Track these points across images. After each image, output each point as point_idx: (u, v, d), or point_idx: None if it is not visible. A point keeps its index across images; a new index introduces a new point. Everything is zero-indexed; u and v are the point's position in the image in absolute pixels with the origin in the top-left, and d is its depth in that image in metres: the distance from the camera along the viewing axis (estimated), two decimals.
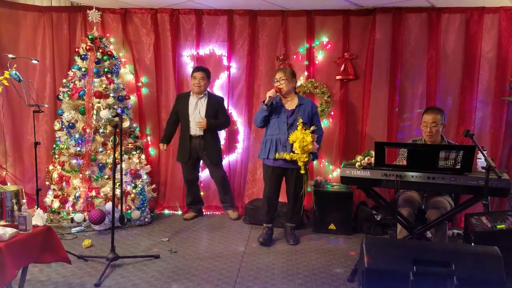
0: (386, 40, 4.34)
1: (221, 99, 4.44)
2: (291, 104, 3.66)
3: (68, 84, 4.20)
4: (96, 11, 4.27)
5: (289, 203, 3.79)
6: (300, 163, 3.42)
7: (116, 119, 3.30)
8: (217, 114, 4.29)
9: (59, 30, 4.58)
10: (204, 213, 4.67)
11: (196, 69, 4.26)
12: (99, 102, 4.12)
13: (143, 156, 4.44)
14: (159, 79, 4.74)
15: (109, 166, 4.08)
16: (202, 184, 4.77)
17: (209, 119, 4.20)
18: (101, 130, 4.10)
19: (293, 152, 3.43)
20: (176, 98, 4.46)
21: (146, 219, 4.22)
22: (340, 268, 3.21)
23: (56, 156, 4.18)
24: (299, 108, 3.61)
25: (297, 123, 3.43)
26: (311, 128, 3.42)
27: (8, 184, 4.46)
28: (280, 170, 3.66)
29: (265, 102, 3.50)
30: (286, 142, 3.52)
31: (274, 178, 3.69)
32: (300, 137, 3.35)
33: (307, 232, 4.12)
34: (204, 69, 4.28)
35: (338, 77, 4.51)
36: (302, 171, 3.46)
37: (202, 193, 4.71)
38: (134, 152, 4.29)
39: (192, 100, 4.28)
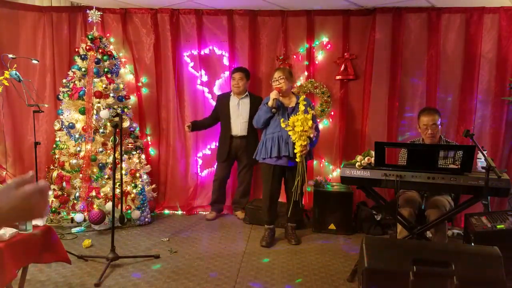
0: (386, 40, 4.34)
1: (261, 99, 4.34)
2: (290, 102, 3.68)
3: (68, 84, 4.20)
4: (96, 11, 4.27)
5: (290, 202, 3.76)
6: (297, 148, 3.40)
7: (116, 119, 3.30)
8: None
9: (59, 30, 4.58)
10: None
11: (234, 70, 4.34)
12: (99, 102, 4.13)
13: (143, 156, 4.44)
14: (159, 79, 4.73)
15: (109, 166, 4.08)
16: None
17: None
18: (101, 130, 4.10)
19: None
20: (217, 99, 4.50)
21: (146, 219, 4.22)
22: (340, 268, 3.22)
23: (56, 156, 4.18)
24: (299, 106, 3.61)
25: (299, 106, 3.49)
26: (311, 112, 3.47)
27: None
28: (281, 168, 3.66)
29: (272, 105, 3.52)
30: (288, 138, 3.52)
31: (275, 177, 3.68)
32: (302, 117, 3.40)
33: (307, 232, 4.12)
34: (243, 70, 4.33)
35: (338, 77, 4.51)
36: (298, 159, 3.45)
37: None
38: (134, 152, 4.29)
39: (233, 100, 4.33)
